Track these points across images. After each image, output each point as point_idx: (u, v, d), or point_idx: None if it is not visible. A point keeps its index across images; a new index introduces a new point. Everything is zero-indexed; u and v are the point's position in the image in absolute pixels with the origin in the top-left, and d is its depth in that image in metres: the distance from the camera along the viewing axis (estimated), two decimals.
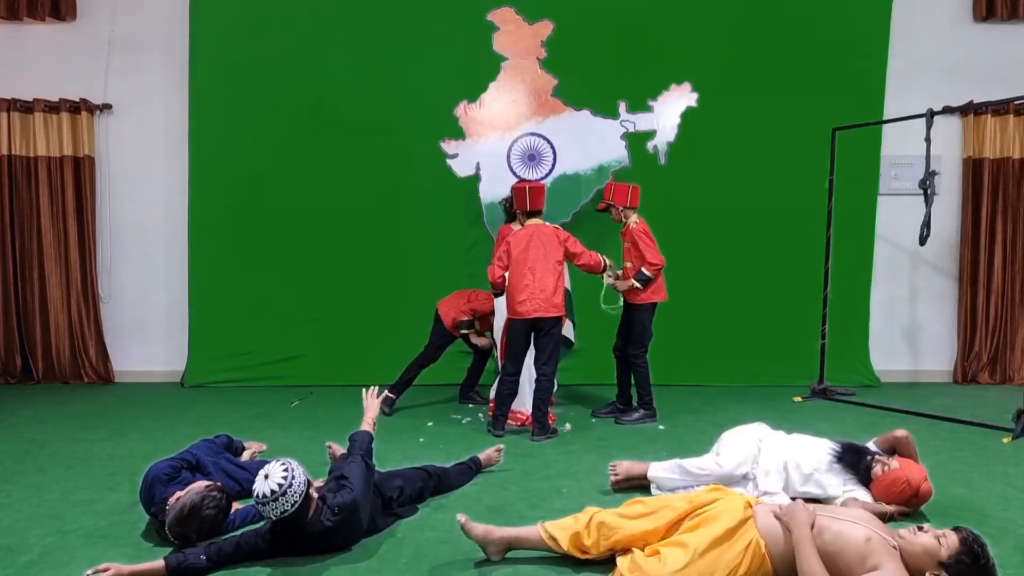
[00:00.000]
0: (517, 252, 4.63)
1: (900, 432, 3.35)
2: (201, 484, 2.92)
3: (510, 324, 4.71)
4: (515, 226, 5.18)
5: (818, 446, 3.42)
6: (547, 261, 4.62)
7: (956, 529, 2.30)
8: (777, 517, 2.52)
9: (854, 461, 3.29)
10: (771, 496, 3.25)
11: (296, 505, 2.59)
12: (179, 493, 2.89)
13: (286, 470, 2.61)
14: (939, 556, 2.23)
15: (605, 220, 6.22)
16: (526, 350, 4.72)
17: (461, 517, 2.78)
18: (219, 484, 2.97)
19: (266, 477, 2.59)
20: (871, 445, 3.42)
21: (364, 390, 3.44)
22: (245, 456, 3.86)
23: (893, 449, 3.35)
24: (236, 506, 3.19)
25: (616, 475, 3.58)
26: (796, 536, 2.41)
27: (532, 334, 4.67)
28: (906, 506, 3.21)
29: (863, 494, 3.23)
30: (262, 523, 2.87)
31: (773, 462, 3.39)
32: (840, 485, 3.29)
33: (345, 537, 2.82)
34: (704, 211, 6.26)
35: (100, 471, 3.85)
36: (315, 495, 2.74)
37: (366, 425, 3.26)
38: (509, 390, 4.71)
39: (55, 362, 6.37)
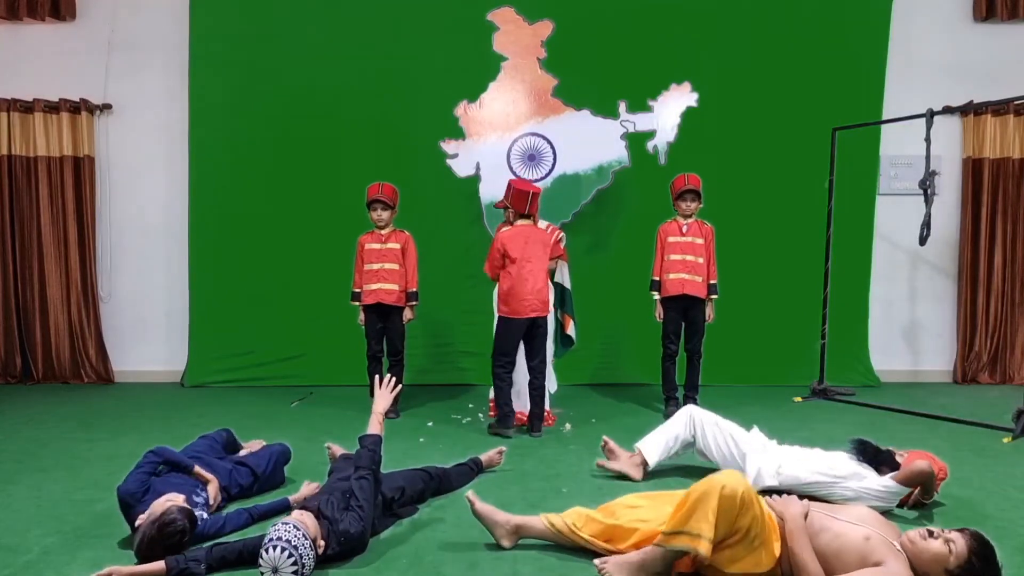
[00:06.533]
0: (518, 252, 4.64)
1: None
2: (158, 508, 2.74)
3: (506, 324, 4.70)
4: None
5: (815, 459, 3.36)
6: (542, 261, 4.72)
7: (963, 532, 2.26)
8: (771, 506, 2.50)
9: (873, 454, 3.27)
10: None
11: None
12: (141, 517, 2.77)
13: (294, 562, 2.43)
14: (947, 564, 2.21)
15: (604, 221, 6.27)
16: (517, 348, 4.76)
17: (470, 494, 2.92)
18: (176, 504, 2.76)
19: (275, 572, 2.43)
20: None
21: (377, 377, 3.29)
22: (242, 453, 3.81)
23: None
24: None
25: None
26: (790, 527, 2.39)
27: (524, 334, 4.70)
28: (924, 487, 3.18)
29: (874, 478, 3.19)
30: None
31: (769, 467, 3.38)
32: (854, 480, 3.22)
33: (348, 556, 2.77)
34: (704, 211, 6.24)
35: (100, 471, 3.84)
36: (322, 544, 2.62)
37: (375, 421, 3.10)
38: (509, 387, 4.74)
39: (55, 362, 6.37)
